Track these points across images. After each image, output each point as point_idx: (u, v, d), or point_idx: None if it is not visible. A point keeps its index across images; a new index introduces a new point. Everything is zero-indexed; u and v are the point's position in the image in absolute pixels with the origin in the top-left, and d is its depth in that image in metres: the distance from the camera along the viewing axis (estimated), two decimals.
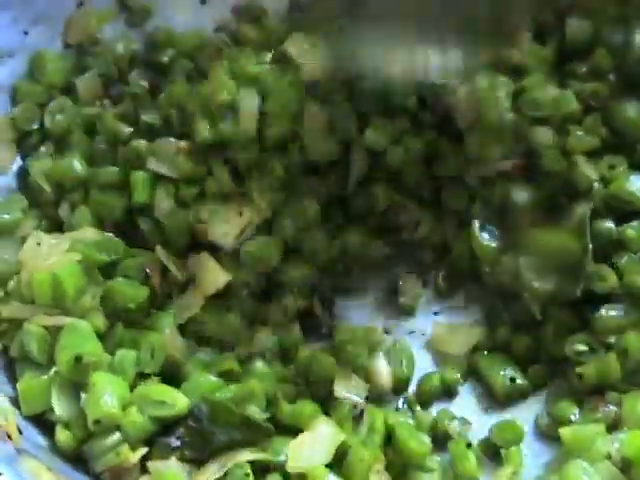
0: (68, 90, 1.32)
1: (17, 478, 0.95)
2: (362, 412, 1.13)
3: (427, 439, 1.11)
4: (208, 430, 1.05)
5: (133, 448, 1.04)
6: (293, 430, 1.08)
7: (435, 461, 1.11)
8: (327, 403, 1.14)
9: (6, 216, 1.24)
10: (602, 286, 1.16)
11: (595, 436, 1.06)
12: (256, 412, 1.06)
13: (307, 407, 1.11)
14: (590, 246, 1.15)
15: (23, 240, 1.20)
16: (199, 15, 1.40)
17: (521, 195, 1.22)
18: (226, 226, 1.20)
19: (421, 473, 1.10)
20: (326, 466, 1.05)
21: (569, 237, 1.17)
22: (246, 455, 1.04)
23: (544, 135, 1.23)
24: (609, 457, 1.04)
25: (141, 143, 1.23)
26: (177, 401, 1.06)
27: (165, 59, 1.35)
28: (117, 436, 1.04)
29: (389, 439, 1.12)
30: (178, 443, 1.06)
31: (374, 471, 1.07)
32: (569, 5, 1.30)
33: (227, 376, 1.12)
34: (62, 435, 1.06)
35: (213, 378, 1.10)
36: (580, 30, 1.28)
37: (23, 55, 1.30)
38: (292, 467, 1.04)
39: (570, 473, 1.03)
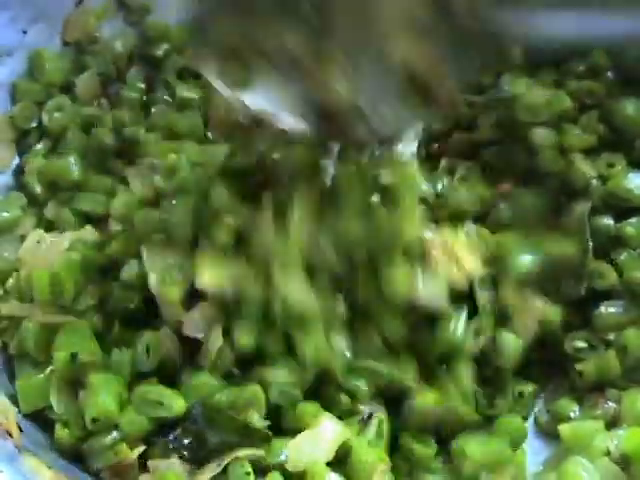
0: (67, 89, 1.32)
1: (17, 476, 0.95)
2: (370, 415, 1.12)
3: (432, 441, 1.10)
4: (205, 433, 1.05)
5: (131, 446, 1.04)
6: (294, 431, 1.08)
7: (439, 462, 1.11)
8: (332, 406, 1.12)
9: (5, 214, 1.24)
10: (602, 283, 1.16)
11: (594, 433, 1.06)
12: (255, 419, 1.05)
13: (309, 407, 1.09)
14: (590, 244, 1.15)
15: (22, 238, 1.20)
16: None
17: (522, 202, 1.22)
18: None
19: (426, 475, 1.10)
20: (328, 465, 1.04)
21: (569, 237, 1.17)
22: (246, 453, 1.04)
23: (541, 136, 1.23)
24: (608, 454, 1.04)
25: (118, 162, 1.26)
26: (174, 403, 1.05)
27: (159, 53, 1.36)
28: (115, 435, 1.05)
29: (395, 441, 1.11)
30: (175, 444, 1.06)
31: (378, 472, 1.06)
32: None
33: (227, 378, 1.10)
34: (61, 433, 1.06)
35: (213, 381, 1.08)
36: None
37: (22, 54, 1.30)
38: (293, 466, 1.03)
39: (569, 470, 1.03)
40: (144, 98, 1.34)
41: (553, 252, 1.16)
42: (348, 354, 1.10)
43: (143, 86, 1.34)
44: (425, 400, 1.09)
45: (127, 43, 1.36)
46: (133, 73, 1.35)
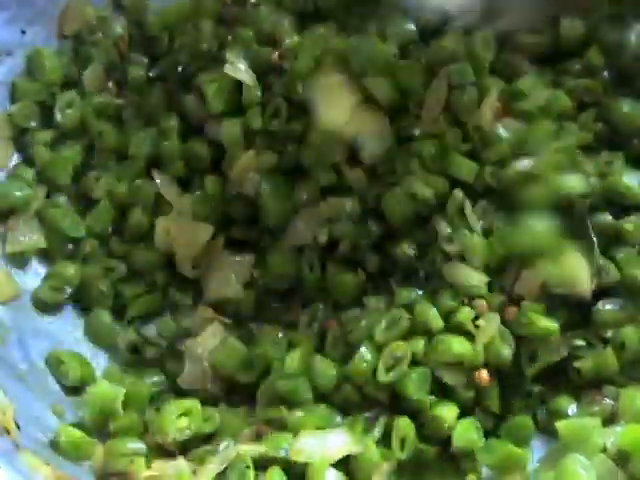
0: (70, 84, 1.32)
1: (15, 472, 0.96)
2: (377, 417, 1.13)
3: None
4: None
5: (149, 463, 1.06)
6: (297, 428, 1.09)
7: (444, 460, 1.12)
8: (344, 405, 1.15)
9: (18, 193, 1.24)
10: (605, 280, 1.15)
11: (591, 429, 1.06)
12: None
13: (321, 410, 1.12)
14: (595, 240, 1.16)
15: (38, 214, 1.24)
16: None
17: None
18: None
19: (432, 475, 1.11)
20: None
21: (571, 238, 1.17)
22: (248, 449, 1.05)
23: None
24: (604, 450, 1.03)
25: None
26: None
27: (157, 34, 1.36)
28: (138, 445, 1.08)
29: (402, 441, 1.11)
30: None
31: (379, 471, 1.07)
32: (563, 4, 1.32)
33: None
34: (64, 432, 1.08)
35: None
36: (573, 30, 1.29)
37: (21, 54, 1.30)
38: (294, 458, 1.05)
39: (567, 467, 1.02)
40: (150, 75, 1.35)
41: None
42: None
43: (145, 61, 1.35)
44: (446, 416, 1.10)
45: (124, 25, 1.36)
46: (135, 54, 1.35)
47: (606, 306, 1.16)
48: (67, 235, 1.26)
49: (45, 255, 1.26)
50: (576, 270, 1.15)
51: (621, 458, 1.03)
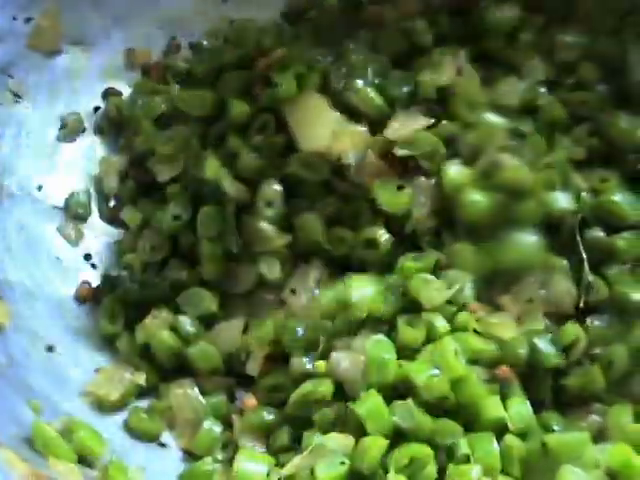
0: None
1: None
2: None
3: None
4: None
5: None
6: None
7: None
8: None
9: None
10: (594, 297, 1.15)
11: (583, 444, 1.04)
12: None
13: None
14: (585, 256, 1.15)
15: None
16: None
17: None
18: None
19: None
20: None
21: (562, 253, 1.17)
22: None
23: None
24: (598, 466, 1.02)
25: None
26: None
27: None
28: None
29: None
30: None
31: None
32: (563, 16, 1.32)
33: None
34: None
35: None
36: (568, 47, 1.29)
37: (12, 40, 1.28)
38: None
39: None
40: None
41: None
42: None
43: None
44: None
45: None
46: None
47: (594, 323, 1.14)
48: None
49: None
50: (563, 287, 1.14)
51: (610, 477, 1.01)
